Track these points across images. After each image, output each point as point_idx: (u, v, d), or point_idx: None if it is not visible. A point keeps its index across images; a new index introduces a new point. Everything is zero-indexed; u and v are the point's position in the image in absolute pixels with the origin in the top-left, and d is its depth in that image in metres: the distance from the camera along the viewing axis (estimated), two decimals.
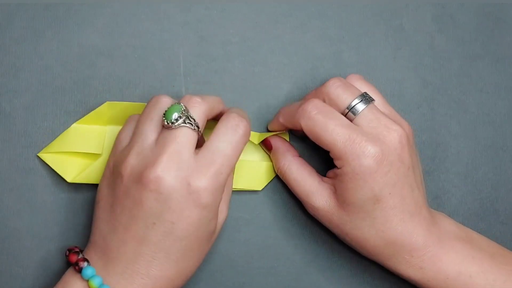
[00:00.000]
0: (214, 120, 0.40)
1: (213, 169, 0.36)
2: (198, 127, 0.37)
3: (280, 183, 0.45)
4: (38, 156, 0.43)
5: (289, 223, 0.45)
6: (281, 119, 0.42)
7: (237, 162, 0.42)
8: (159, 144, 0.36)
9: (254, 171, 0.44)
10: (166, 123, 0.36)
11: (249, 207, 0.44)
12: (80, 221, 0.43)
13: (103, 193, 0.38)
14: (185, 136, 0.36)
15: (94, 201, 0.40)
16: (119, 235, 0.36)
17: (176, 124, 0.36)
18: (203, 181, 0.36)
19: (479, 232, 0.45)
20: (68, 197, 0.43)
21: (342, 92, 0.39)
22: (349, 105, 0.38)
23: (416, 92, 0.46)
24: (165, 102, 0.38)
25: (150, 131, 0.37)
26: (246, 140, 0.38)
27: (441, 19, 0.47)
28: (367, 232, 0.39)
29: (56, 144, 0.43)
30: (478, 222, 0.46)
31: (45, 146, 0.43)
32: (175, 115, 0.36)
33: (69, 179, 0.42)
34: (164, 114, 0.37)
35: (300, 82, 0.46)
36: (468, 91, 0.47)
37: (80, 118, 0.44)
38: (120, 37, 0.44)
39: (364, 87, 0.40)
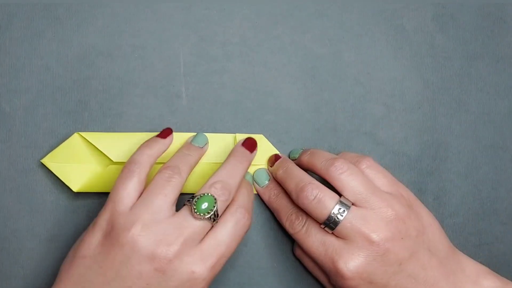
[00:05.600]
0: None
1: (215, 260, 0.37)
2: (217, 221, 0.38)
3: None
4: (41, 162, 0.43)
5: None
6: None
7: None
8: (177, 225, 0.36)
9: None
10: (194, 211, 0.37)
11: None
12: (80, 221, 0.43)
13: (92, 251, 0.37)
14: (204, 228, 0.37)
15: (85, 224, 0.38)
16: None
17: (202, 216, 0.37)
18: (205, 271, 0.36)
19: (480, 232, 0.46)
20: (68, 197, 0.43)
21: (315, 207, 0.38)
22: (325, 221, 0.38)
23: (417, 91, 0.46)
24: (178, 181, 0.38)
25: (163, 207, 0.37)
26: (246, 232, 0.39)
27: (441, 19, 0.47)
28: None
29: (61, 153, 0.43)
30: (478, 222, 0.46)
31: (45, 146, 0.43)
32: (204, 206, 0.37)
33: (75, 189, 0.42)
34: (195, 202, 0.37)
35: (300, 82, 0.45)
36: (468, 91, 0.47)
37: (79, 118, 0.44)
38: (120, 37, 0.44)
39: (351, 176, 0.39)
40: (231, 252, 0.38)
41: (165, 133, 0.42)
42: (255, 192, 0.44)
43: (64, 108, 0.44)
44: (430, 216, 0.41)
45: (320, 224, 0.39)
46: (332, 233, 0.38)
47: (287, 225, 0.41)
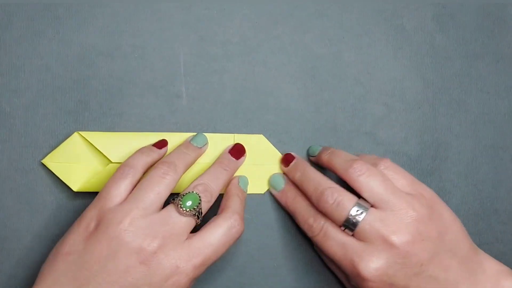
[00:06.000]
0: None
1: (201, 259, 0.37)
2: (201, 219, 0.38)
3: None
4: (42, 163, 0.43)
5: (289, 223, 0.45)
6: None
7: (240, 168, 0.44)
8: (162, 220, 0.37)
9: (256, 176, 0.44)
10: (180, 207, 0.37)
11: (250, 207, 0.44)
12: None
13: (77, 247, 0.36)
14: (189, 224, 0.38)
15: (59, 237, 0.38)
16: None
17: (187, 212, 0.37)
18: (189, 268, 0.37)
19: (480, 232, 0.45)
20: (68, 196, 0.43)
21: (335, 210, 0.38)
22: (344, 222, 0.38)
23: (417, 91, 0.46)
24: (173, 178, 0.39)
25: (154, 204, 0.38)
26: (237, 239, 0.39)
27: (441, 19, 0.47)
28: None
29: (61, 153, 0.43)
30: (478, 222, 0.46)
31: (45, 146, 0.43)
32: (189, 203, 0.38)
33: (75, 188, 0.42)
34: (180, 199, 0.38)
35: (300, 82, 0.45)
36: (468, 91, 0.47)
37: (79, 118, 0.44)
38: (120, 37, 0.44)
39: (374, 175, 0.39)
40: (218, 256, 0.38)
41: (161, 143, 0.43)
42: (260, 192, 0.44)
43: (64, 108, 0.44)
44: (452, 216, 0.40)
45: (340, 226, 0.39)
46: (352, 235, 0.38)
47: (305, 228, 0.41)
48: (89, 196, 0.43)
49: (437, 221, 0.39)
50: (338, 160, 0.41)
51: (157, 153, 0.42)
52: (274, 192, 0.44)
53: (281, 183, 0.44)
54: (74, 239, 0.37)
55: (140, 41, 0.44)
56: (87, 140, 0.43)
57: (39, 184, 0.43)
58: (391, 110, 0.46)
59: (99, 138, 0.43)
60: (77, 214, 0.43)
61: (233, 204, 0.40)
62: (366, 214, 0.38)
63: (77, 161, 0.43)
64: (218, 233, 0.38)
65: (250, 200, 0.44)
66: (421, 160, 0.46)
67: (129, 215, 0.36)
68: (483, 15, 0.47)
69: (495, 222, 0.46)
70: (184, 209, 0.37)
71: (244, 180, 0.44)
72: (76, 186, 0.42)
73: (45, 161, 0.43)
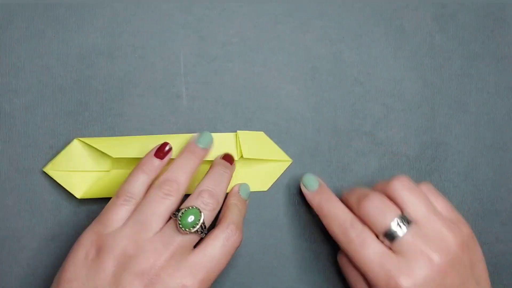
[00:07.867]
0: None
1: (205, 273, 0.37)
2: (205, 233, 0.38)
3: (281, 183, 0.45)
4: (44, 171, 0.43)
5: (290, 223, 0.45)
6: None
7: (242, 164, 0.44)
8: (164, 239, 0.36)
9: (258, 173, 0.44)
10: (180, 227, 0.37)
11: (250, 207, 0.44)
12: (80, 221, 0.43)
13: (79, 274, 0.36)
14: (192, 241, 0.37)
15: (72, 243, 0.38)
16: None
17: (187, 231, 0.37)
18: (196, 284, 0.36)
19: (480, 232, 0.45)
20: (68, 196, 0.43)
21: (377, 215, 0.38)
22: (386, 232, 0.37)
23: (417, 92, 0.46)
24: (175, 199, 0.38)
25: (155, 226, 0.37)
26: (236, 248, 0.39)
27: (441, 19, 0.47)
28: None
29: (62, 161, 0.43)
30: (478, 222, 0.46)
31: (45, 146, 0.43)
32: (191, 219, 0.37)
33: (78, 195, 0.42)
34: (180, 217, 0.37)
35: (300, 82, 0.46)
36: (468, 91, 0.47)
37: (80, 118, 0.44)
38: (120, 37, 0.44)
39: (412, 197, 0.38)
40: (221, 268, 0.37)
41: (163, 151, 0.41)
42: (263, 189, 0.44)
43: (64, 108, 0.44)
44: (481, 252, 0.39)
45: (379, 236, 0.38)
46: (390, 248, 0.37)
47: (339, 232, 0.39)
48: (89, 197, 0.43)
49: (471, 251, 0.38)
50: (380, 182, 0.40)
51: (158, 166, 0.40)
52: (306, 191, 0.43)
53: (316, 182, 0.43)
54: (75, 265, 0.36)
55: (140, 41, 0.44)
56: (87, 146, 0.43)
57: (39, 185, 0.43)
58: (391, 110, 0.46)
59: (98, 143, 0.43)
60: (78, 214, 0.43)
61: (230, 214, 0.40)
62: (409, 228, 0.37)
63: (78, 168, 0.43)
64: (216, 245, 0.37)
65: (252, 198, 0.44)
66: (420, 160, 0.46)
67: (130, 240, 0.36)
68: (483, 15, 0.47)
69: (495, 222, 0.46)
70: (184, 228, 0.37)
71: (245, 188, 0.43)
72: (79, 193, 0.42)
73: (47, 169, 0.42)
